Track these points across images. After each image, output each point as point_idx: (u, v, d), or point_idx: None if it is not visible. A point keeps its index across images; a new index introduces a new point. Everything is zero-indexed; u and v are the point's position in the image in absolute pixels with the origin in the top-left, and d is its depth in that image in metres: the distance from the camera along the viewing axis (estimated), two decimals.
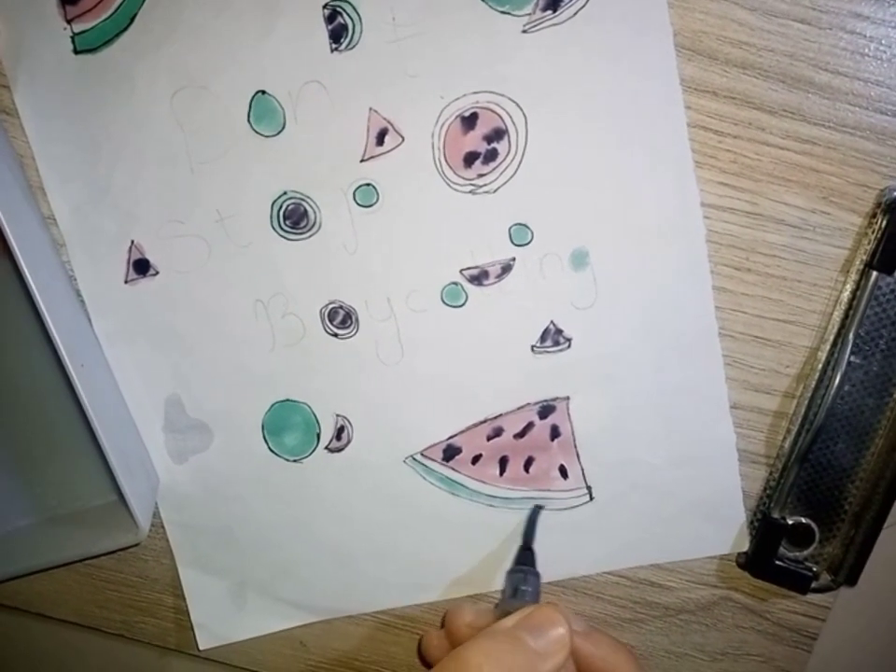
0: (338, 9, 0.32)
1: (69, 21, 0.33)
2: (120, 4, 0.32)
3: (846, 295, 0.33)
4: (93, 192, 0.34)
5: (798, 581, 0.36)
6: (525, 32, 0.32)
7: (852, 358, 0.33)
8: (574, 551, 0.37)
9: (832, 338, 0.34)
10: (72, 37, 0.33)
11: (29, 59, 0.33)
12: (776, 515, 0.35)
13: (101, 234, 0.35)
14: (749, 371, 0.35)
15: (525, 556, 0.36)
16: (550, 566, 0.37)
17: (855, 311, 0.33)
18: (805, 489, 0.35)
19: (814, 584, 0.36)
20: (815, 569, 0.36)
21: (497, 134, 0.33)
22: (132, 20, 0.33)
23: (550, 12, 0.31)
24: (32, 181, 0.34)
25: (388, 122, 0.33)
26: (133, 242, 0.35)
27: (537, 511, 0.37)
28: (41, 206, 0.35)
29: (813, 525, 0.35)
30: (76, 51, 0.33)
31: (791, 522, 0.35)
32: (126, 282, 0.35)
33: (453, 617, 0.36)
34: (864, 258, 0.33)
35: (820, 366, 0.34)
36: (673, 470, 0.36)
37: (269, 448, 0.37)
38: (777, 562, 0.36)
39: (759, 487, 0.36)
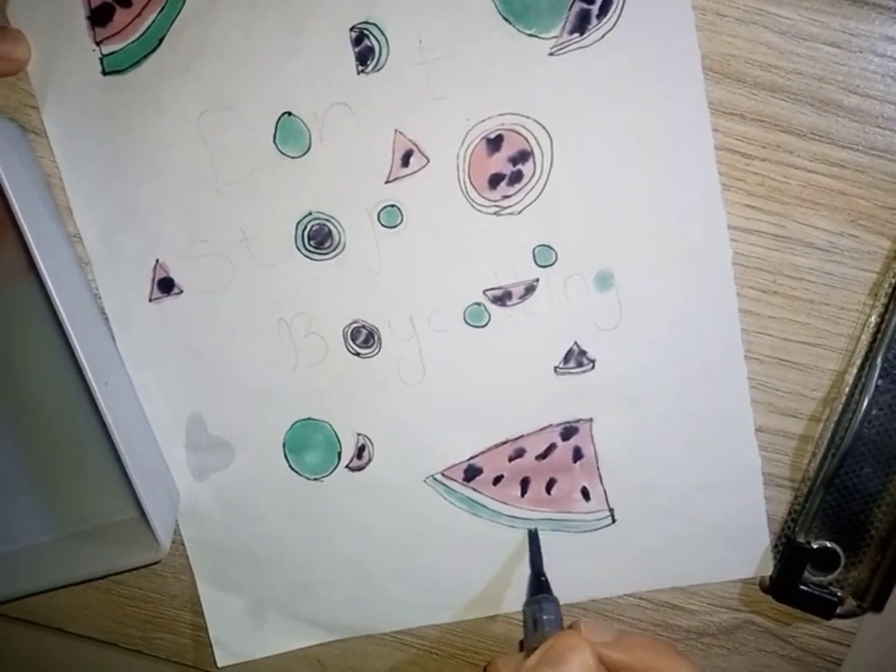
0: (365, 32, 0.32)
1: (98, 43, 0.33)
2: (149, 26, 0.33)
3: (873, 319, 0.33)
4: (119, 211, 0.35)
5: (823, 606, 0.35)
6: (551, 54, 0.32)
7: (880, 382, 0.33)
8: (595, 573, 0.37)
9: (859, 361, 0.33)
10: (101, 59, 0.33)
11: (58, 80, 0.33)
12: (801, 539, 0.35)
13: (126, 253, 0.35)
14: (775, 394, 0.34)
15: (538, 584, 0.35)
16: (571, 588, 0.37)
17: (883, 335, 0.32)
18: (830, 513, 0.35)
19: (839, 610, 0.35)
20: (840, 594, 0.35)
21: (523, 156, 0.33)
22: (160, 41, 0.33)
23: (577, 35, 0.31)
24: (59, 200, 0.35)
25: (414, 144, 0.33)
26: (157, 261, 0.35)
27: (534, 535, 0.36)
28: (67, 225, 0.35)
29: (838, 549, 0.35)
30: (104, 72, 0.33)
31: (815, 546, 0.35)
32: (150, 300, 0.36)
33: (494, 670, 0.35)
34: (893, 281, 0.32)
35: (847, 390, 0.34)
36: (697, 493, 0.36)
37: (290, 466, 0.37)
38: (802, 586, 0.35)
39: (784, 511, 0.36)
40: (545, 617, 0.34)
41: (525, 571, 0.37)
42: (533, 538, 0.36)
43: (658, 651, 0.32)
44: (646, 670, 0.31)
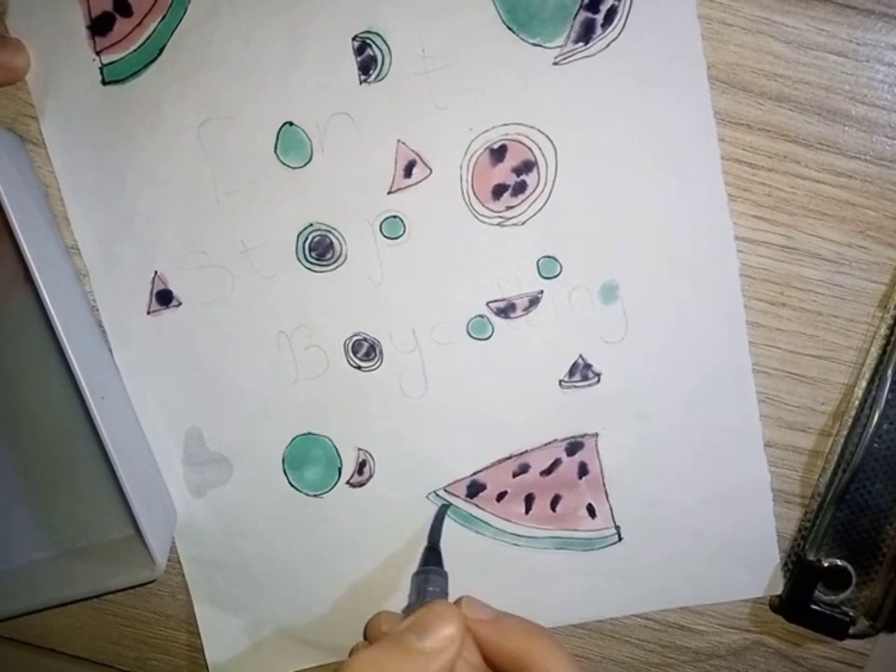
0: (367, 41, 0.32)
1: (98, 53, 0.33)
2: (150, 35, 0.32)
3: (883, 330, 0.33)
4: (118, 223, 0.34)
5: (834, 627, 0.34)
6: (556, 64, 0.31)
7: (890, 396, 0.32)
8: (601, 592, 0.36)
9: (869, 374, 0.33)
10: (101, 68, 0.33)
11: (57, 90, 0.33)
12: (811, 557, 0.34)
13: (124, 265, 0.35)
14: (784, 408, 0.34)
15: (430, 556, 0.35)
16: (576, 608, 0.37)
17: (893, 347, 0.32)
18: (841, 530, 0.34)
19: (851, 630, 0.34)
20: (852, 614, 0.34)
21: (527, 167, 0.32)
22: (160, 51, 0.32)
23: (581, 44, 0.31)
24: (56, 211, 0.34)
25: (416, 154, 0.33)
26: (156, 272, 0.35)
27: (444, 509, 0.36)
28: (65, 236, 0.35)
29: (850, 567, 0.34)
30: (104, 82, 0.33)
31: (826, 564, 0.34)
32: (149, 313, 0.35)
33: (370, 627, 0.36)
34: None
35: (857, 403, 0.33)
36: (704, 510, 0.35)
37: (289, 482, 0.36)
38: (813, 606, 0.34)
39: (793, 528, 0.35)
40: (430, 588, 0.33)
41: (529, 590, 0.36)
42: (440, 511, 0.36)
43: (534, 635, 0.32)
44: (517, 650, 0.31)
